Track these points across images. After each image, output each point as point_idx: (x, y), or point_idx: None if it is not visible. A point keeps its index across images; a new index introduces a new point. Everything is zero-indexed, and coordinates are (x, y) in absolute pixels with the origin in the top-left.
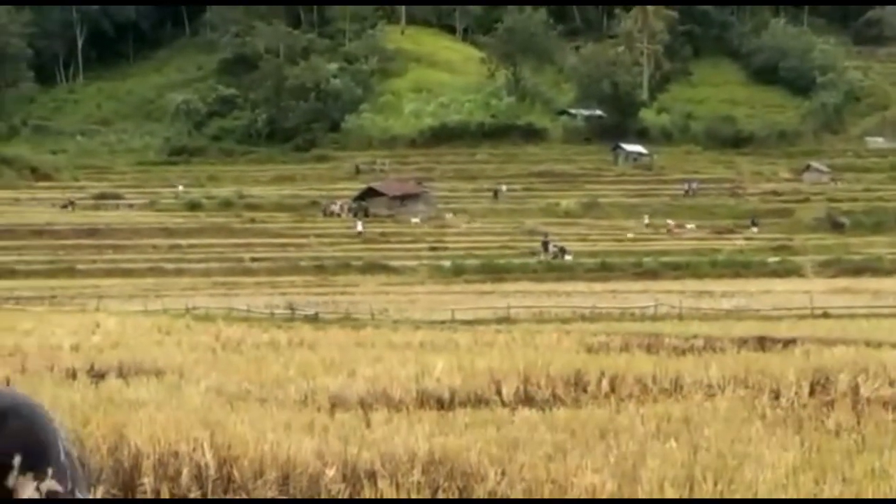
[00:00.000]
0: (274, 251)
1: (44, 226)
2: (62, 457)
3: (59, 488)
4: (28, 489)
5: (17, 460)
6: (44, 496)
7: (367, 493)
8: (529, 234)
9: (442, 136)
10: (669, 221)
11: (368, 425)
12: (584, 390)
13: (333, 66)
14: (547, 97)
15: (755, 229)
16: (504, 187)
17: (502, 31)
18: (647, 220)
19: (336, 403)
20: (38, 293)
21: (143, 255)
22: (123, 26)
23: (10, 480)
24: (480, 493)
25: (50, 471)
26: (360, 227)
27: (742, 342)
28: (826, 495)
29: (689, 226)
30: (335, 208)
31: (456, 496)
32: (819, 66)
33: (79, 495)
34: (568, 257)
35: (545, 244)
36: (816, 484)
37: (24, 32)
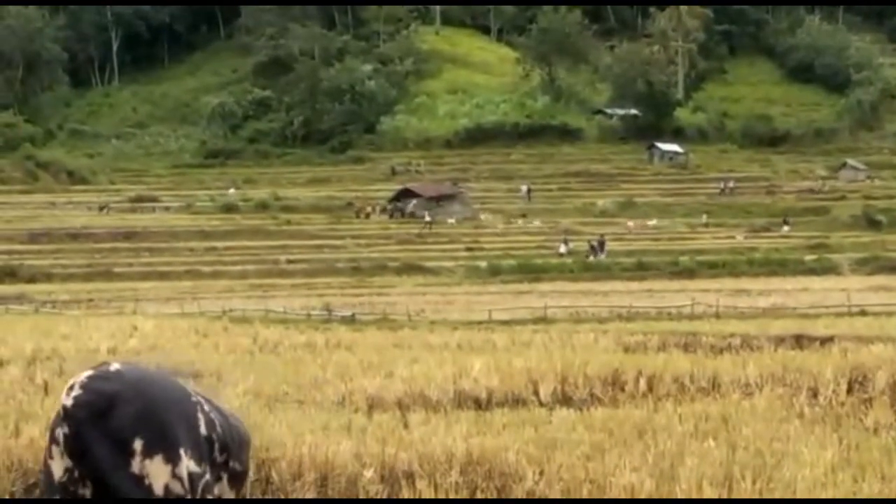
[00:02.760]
0: (310, 253)
1: (80, 229)
2: (202, 430)
3: (196, 469)
4: (162, 474)
5: (138, 444)
6: (185, 482)
7: (406, 494)
8: (565, 233)
9: (477, 136)
10: (630, 224)
11: (406, 426)
12: (622, 390)
13: (368, 68)
14: (582, 97)
15: (787, 228)
16: (524, 187)
17: (537, 31)
18: (704, 219)
19: (374, 404)
20: (75, 297)
21: (179, 257)
22: (158, 29)
23: (135, 466)
24: (519, 493)
25: (182, 451)
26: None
27: (779, 340)
28: (865, 493)
29: (650, 222)
30: (369, 210)
31: (494, 496)
32: (855, 64)
33: (237, 467)
34: (602, 256)
35: (601, 243)
36: (855, 482)
37: (58, 36)
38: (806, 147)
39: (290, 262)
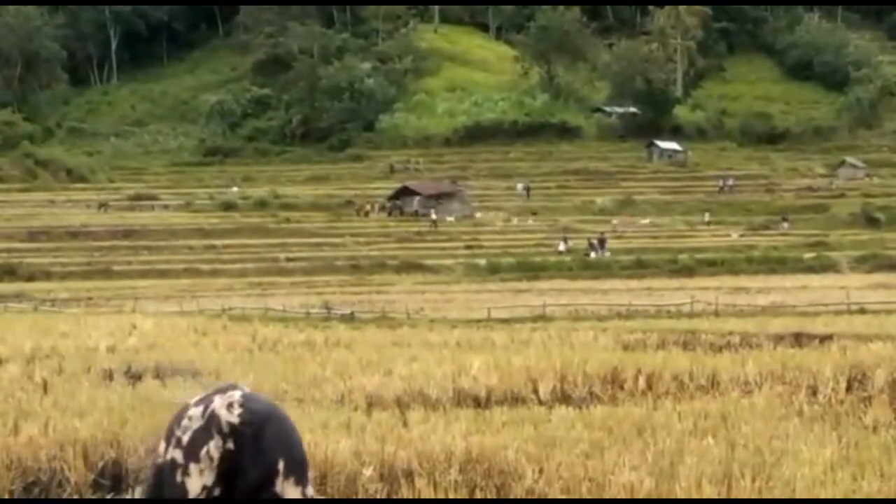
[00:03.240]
0: (309, 251)
1: (79, 227)
2: (306, 455)
3: (314, 493)
4: (293, 494)
5: (281, 465)
6: (309, 498)
7: (405, 493)
8: (564, 231)
9: (476, 134)
10: (615, 221)
11: (405, 424)
12: (621, 388)
13: (367, 66)
14: (581, 95)
15: (786, 225)
16: (521, 185)
17: (536, 29)
18: (706, 217)
19: (373, 403)
20: (74, 295)
21: (178, 255)
22: (157, 27)
23: (278, 486)
24: (518, 491)
25: (310, 475)
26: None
27: (778, 338)
28: (864, 492)
29: (643, 221)
30: (368, 208)
31: (493, 495)
32: (853, 62)
33: (309, 492)
34: (603, 254)
35: (601, 241)
36: (854, 480)
37: (57, 34)
38: (805, 145)
39: (289, 260)
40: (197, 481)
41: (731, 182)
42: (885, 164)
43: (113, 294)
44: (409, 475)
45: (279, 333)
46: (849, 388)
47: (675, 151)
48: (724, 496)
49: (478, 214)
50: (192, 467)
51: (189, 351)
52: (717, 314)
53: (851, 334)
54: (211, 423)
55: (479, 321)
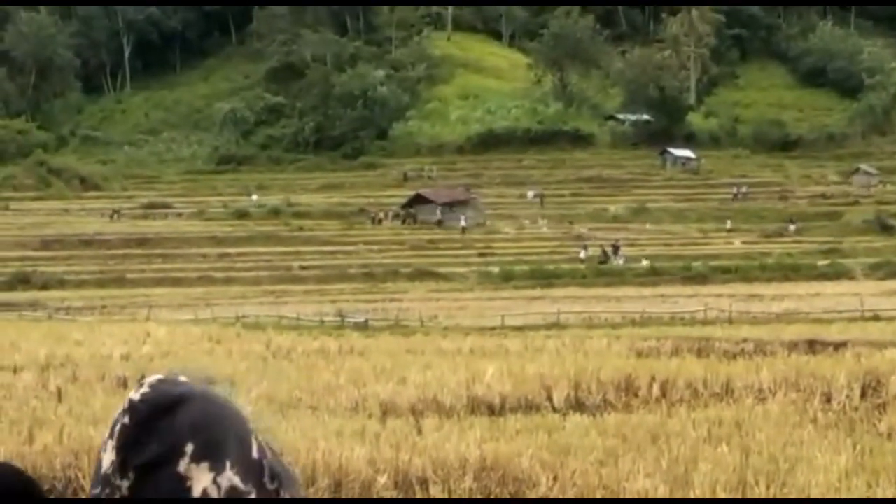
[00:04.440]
0: (323, 259)
1: (93, 236)
2: (253, 454)
3: (242, 486)
4: (203, 479)
5: (189, 447)
6: (223, 491)
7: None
8: (578, 238)
9: (489, 142)
10: (584, 230)
11: (420, 432)
12: (635, 395)
13: (380, 74)
14: (594, 102)
15: (793, 227)
16: (531, 193)
17: (549, 36)
18: (728, 225)
19: (387, 410)
20: (88, 303)
21: (192, 264)
22: (170, 36)
23: (181, 466)
24: (532, 498)
25: (229, 464)
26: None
27: (792, 345)
28: (879, 498)
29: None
30: (381, 216)
31: (507, 499)
32: (867, 68)
33: (285, 495)
34: (618, 260)
35: (615, 248)
36: (869, 487)
37: (70, 43)
38: (818, 152)
39: (302, 268)
40: (108, 457)
41: (744, 189)
42: None
43: (127, 302)
44: (424, 483)
45: (293, 341)
46: (863, 395)
47: (689, 159)
48: (738, 498)
49: (487, 222)
50: (108, 443)
51: (203, 359)
52: (730, 321)
53: (865, 341)
54: (125, 402)
55: (492, 329)
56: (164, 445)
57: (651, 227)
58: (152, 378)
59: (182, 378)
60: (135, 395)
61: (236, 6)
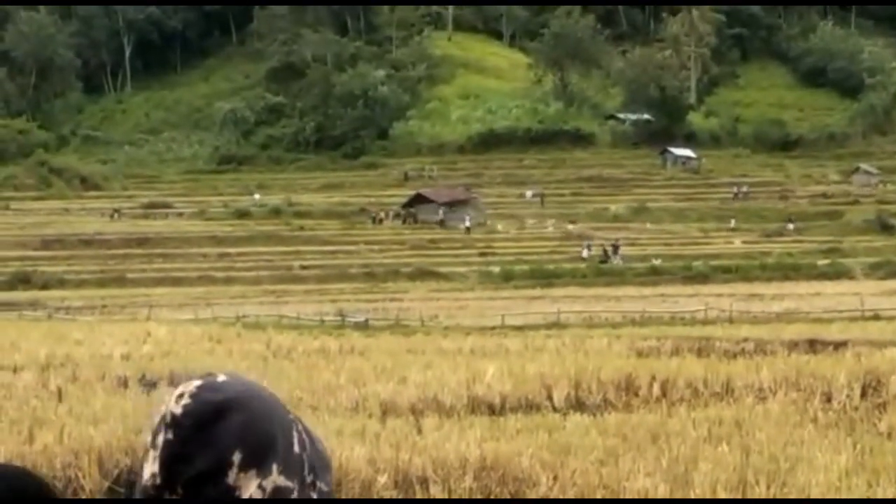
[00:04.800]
0: (323, 258)
1: (93, 235)
2: (295, 448)
3: (287, 483)
4: (250, 486)
5: (236, 457)
6: (268, 494)
7: (420, 499)
8: (578, 238)
9: (490, 142)
10: (570, 227)
11: (420, 431)
12: (636, 395)
13: (381, 73)
14: (594, 102)
15: (791, 226)
16: (529, 192)
17: (549, 36)
18: (732, 224)
19: (387, 410)
20: (88, 303)
21: (192, 263)
22: (170, 35)
23: (230, 478)
24: (532, 498)
25: (275, 466)
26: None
27: (793, 345)
28: (879, 498)
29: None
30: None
31: (507, 499)
32: (867, 68)
33: (323, 487)
34: (616, 260)
35: (615, 248)
36: (869, 486)
37: (71, 43)
38: (819, 151)
39: (303, 267)
40: (149, 467)
41: (745, 189)
42: None
43: (127, 302)
44: (424, 482)
45: (293, 341)
46: (863, 395)
47: (689, 158)
48: (738, 498)
49: (488, 222)
50: (150, 453)
51: (204, 359)
52: (731, 321)
53: (866, 341)
54: (165, 413)
55: (493, 328)
56: (212, 458)
57: (651, 227)
58: (190, 387)
59: (220, 378)
60: (175, 407)
61: (237, 6)
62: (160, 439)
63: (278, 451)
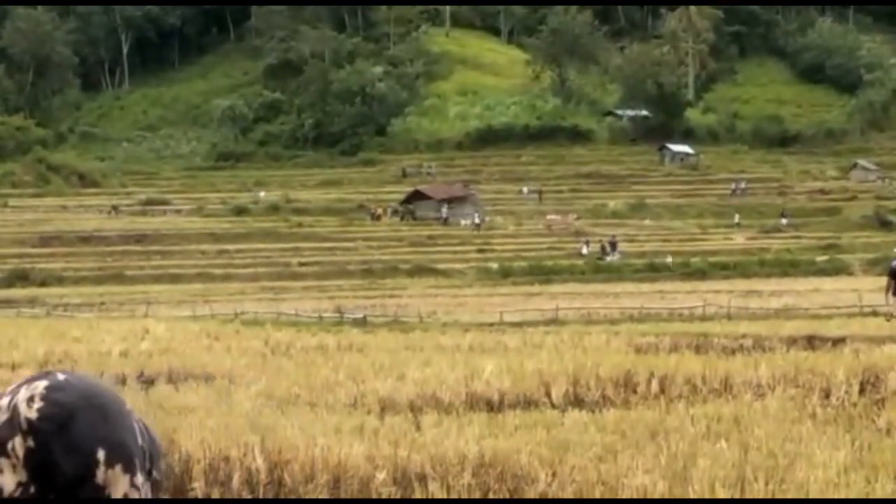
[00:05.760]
0: (321, 255)
1: (91, 232)
2: (138, 439)
3: (143, 480)
4: (121, 483)
5: (101, 455)
6: (140, 489)
7: (418, 496)
8: (576, 235)
9: (488, 138)
10: (551, 217)
11: (418, 428)
12: (634, 391)
13: (379, 70)
14: (592, 98)
15: (785, 221)
16: (525, 189)
17: (547, 32)
18: (737, 219)
19: (386, 407)
20: (86, 300)
21: (190, 260)
22: (168, 32)
23: (99, 477)
24: (531, 494)
25: (137, 461)
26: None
27: (791, 341)
28: (878, 494)
29: (571, 216)
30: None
31: (506, 498)
32: (866, 64)
33: (157, 476)
34: (614, 256)
35: (612, 244)
36: (868, 483)
37: (68, 40)
38: (817, 148)
39: (301, 264)
40: (11, 478)
41: (743, 185)
42: None
43: (125, 299)
44: (423, 479)
45: (291, 338)
46: (862, 391)
47: (687, 154)
48: (737, 498)
49: (486, 219)
50: (3, 462)
51: (202, 356)
52: (729, 317)
53: (864, 337)
54: (13, 418)
55: (491, 325)
56: (78, 461)
57: (650, 223)
58: (40, 385)
59: (60, 376)
60: (29, 412)
61: (235, 4)
62: (18, 447)
63: (133, 445)
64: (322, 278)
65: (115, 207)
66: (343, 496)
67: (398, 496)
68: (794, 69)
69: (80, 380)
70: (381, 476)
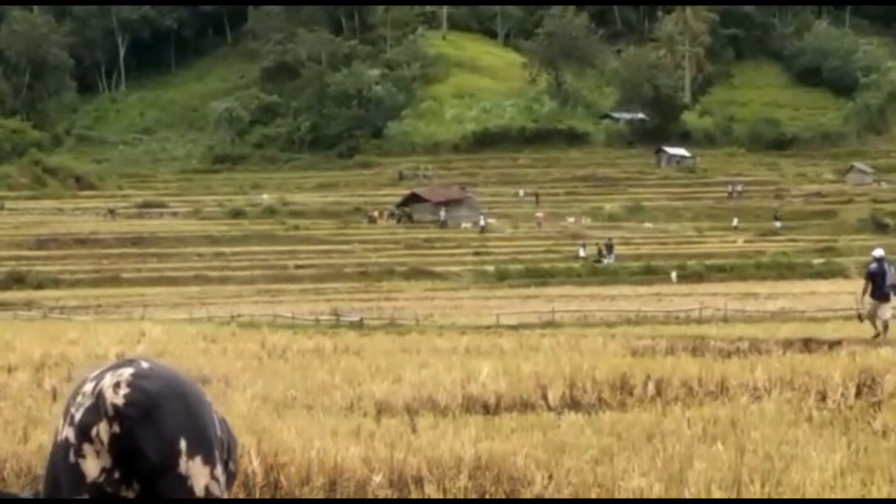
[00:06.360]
0: (318, 258)
1: (88, 235)
2: (218, 432)
3: (223, 471)
4: (202, 475)
5: (183, 445)
6: (222, 484)
7: (414, 498)
8: (573, 237)
9: (484, 141)
10: (539, 215)
11: (415, 431)
12: (630, 394)
13: (375, 73)
14: (589, 101)
15: (778, 224)
16: (521, 192)
17: (544, 35)
18: (735, 222)
19: (382, 409)
20: (83, 302)
21: (187, 263)
22: (165, 35)
23: (181, 467)
24: (527, 497)
25: (217, 453)
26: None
27: (787, 344)
28: (874, 496)
29: (539, 214)
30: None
31: (503, 498)
32: (862, 67)
33: (232, 468)
34: (609, 259)
35: (609, 247)
36: (864, 485)
37: (65, 42)
38: (813, 150)
39: (298, 267)
40: (94, 463)
41: (739, 188)
42: (894, 170)
43: (122, 301)
44: (419, 481)
45: (288, 340)
46: (858, 394)
47: (684, 157)
48: (733, 499)
49: (481, 222)
50: (87, 448)
51: (198, 358)
52: (725, 320)
53: (860, 339)
54: (99, 403)
55: (487, 327)
56: (162, 449)
57: (647, 226)
58: (125, 372)
59: (144, 364)
60: (115, 398)
61: (231, 5)
62: (103, 432)
63: (213, 436)
64: (318, 281)
65: (111, 210)
66: (339, 498)
67: (394, 498)
68: (790, 72)
69: (164, 369)
70: (377, 478)
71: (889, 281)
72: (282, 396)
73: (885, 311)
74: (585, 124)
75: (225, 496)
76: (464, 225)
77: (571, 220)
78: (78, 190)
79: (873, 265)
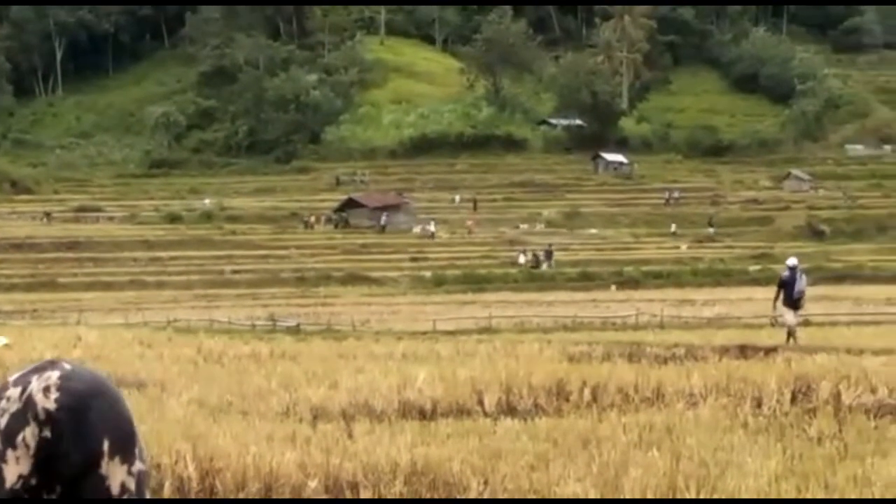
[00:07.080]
0: (255, 263)
1: (24, 239)
2: (135, 427)
3: (143, 467)
4: (119, 473)
5: (105, 446)
6: (135, 478)
7: None
8: (510, 244)
9: (422, 146)
10: (469, 222)
11: (350, 436)
12: (566, 400)
13: (313, 78)
14: (526, 107)
15: (712, 230)
16: (457, 198)
17: (481, 41)
18: (673, 228)
19: (318, 415)
20: (18, 307)
21: (123, 268)
22: (102, 39)
23: (102, 467)
24: (463, 498)
25: (137, 450)
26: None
27: (723, 350)
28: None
29: (469, 222)
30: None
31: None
32: (799, 75)
33: (142, 467)
34: (547, 265)
35: (548, 253)
36: (799, 491)
37: (1, 46)
38: (750, 157)
39: (234, 272)
40: (13, 469)
41: (676, 194)
42: (830, 177)
43: (57, 306)
44: (355, 487)
45: (224, 345)
46: (793, 400)
47: (621, 164)
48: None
49: (416, 228)
50: (9, 454)
51: (134, 363)
52: (662, 326)
53: (796, 346)
54: (27, 408)
55: (424, 333)
56: (86, 451)
57: (583, 232)
58: (53, 375)
59: (67, 365)
60: (46, 402)
61: (170, 6)
62: (30, 437)
63: (134, 435)
64: (255, 286)
65: (47, 214)
66: (275, 498)
67: (330, 498)
68: (727, 79)
69: (84, 368)
70: (312, 484)
71: (798, 288)
72: (218, 402)
73: (792, 317)
74: (523, 130)
75: (143, 488)
76: (415, 230)
77: (525, 226)
78: (14, 194)
79: (785, 273)
